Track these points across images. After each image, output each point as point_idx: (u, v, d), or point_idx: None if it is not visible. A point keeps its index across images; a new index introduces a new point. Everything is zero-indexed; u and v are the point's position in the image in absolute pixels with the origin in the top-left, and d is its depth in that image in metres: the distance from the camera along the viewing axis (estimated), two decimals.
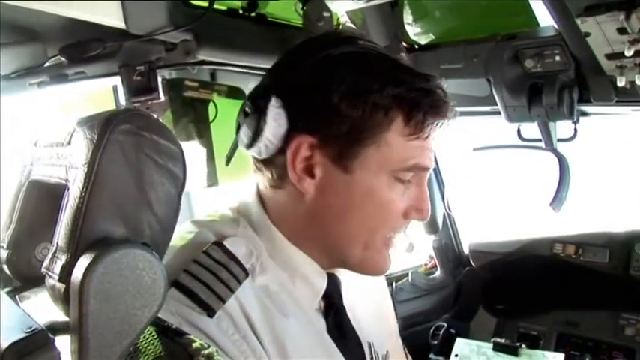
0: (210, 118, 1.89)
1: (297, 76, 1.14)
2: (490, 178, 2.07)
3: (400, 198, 1.16)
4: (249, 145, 1.14)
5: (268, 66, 1.23)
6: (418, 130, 1.13)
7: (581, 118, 1.89)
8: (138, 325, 0.75)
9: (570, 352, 2.24)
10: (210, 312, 1.06)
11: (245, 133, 1.15)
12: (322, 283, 1.24)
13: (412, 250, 1.40)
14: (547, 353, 2.10)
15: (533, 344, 2.29)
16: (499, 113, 1.90)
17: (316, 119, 1.11)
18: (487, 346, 2.16)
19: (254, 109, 1.13)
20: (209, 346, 0.90)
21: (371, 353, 1.39)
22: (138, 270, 0.75)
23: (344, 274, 1.32)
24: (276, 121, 1.11)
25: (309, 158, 1.12)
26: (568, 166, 1.85)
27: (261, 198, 1.23)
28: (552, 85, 1.74)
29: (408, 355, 1.61)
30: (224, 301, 1.08)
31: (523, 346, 2.11)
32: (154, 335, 0.87)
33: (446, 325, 2.37)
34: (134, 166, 0.79)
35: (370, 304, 1.45)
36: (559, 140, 1.94)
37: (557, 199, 1.81)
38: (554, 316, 2.42)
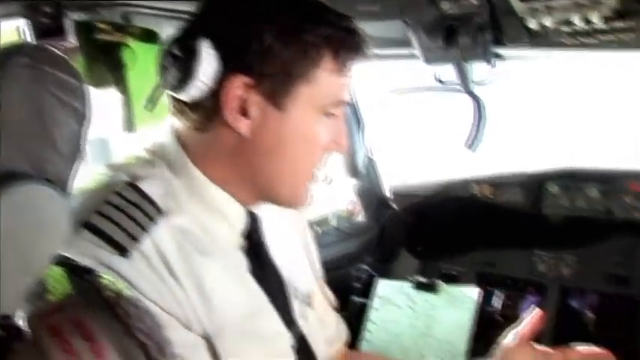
0: (126, 63, 1.84)
1: (226, 17, 1.15)
2: (410, 122, 2.09)
3: (325, 133, 1.21)
4: (179, 88, 1.13)
5: (183, 8, 1.22)
6: (344, 67, 1.19)
7: (499, 63, 1.91)
8: (41, 262, 0.74)
9: (487, 289, 2.33)
10: (124, 252, 1.06)
11: (174, 76, 1.14)
12: (242, 221, 1.26)
13: (330, 183, 1.44)
14: (463, 289, 2.17)
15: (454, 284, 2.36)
16: (417, 56, 1.92)
17: (250, 60, 1.13)
18: (408, 286, 2.22)
19: (183, 51, 1.12)
20: (119, 283, 0.90)
21: (294, 292, 1.42)
22: (39, 206, 0.73)
23: (264, 213, 1.34)
24: (208, 63, 1.11)
25: (243, 98, 1.14)
26: (484, 108, 1.89)
27: (179, 139, 1.23)
28: (467, 26, 1.76)
29: (332, 296, 1.64)
30: (138, 241, 1.08)
31: (441, 282, 2.18)
32: (62, 275, 0.86)
33: (368, 267, 2.41)
34: (35, 102, 0.77)
35: (291, 245, 1.48)
36: (477, 83, 1.97)
37: (472, 140, 1.84)
38: (473, 256, 2.50)
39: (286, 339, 1.33)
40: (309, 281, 1.51)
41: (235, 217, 1.25)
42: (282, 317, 1.33)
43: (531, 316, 1.64)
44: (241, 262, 1.27)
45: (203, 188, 1.21)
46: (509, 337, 1.64)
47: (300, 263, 1.50)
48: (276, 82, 1.14)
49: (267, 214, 1.37)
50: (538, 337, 1.74)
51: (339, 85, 1.20)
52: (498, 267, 2.45)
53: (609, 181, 2.18)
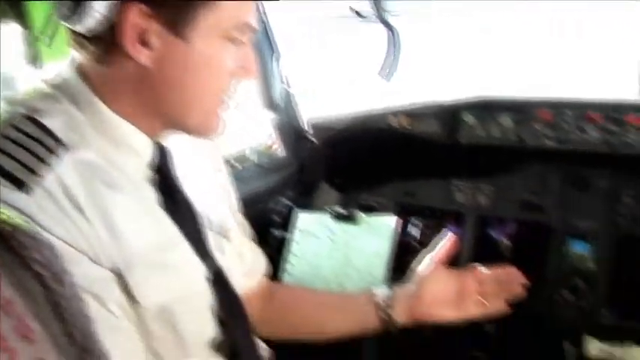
0: None
1: None
2: (326, 53, 2.07)
3: (231, 59, 1.19)
4: (74, 19, 1.09)
5: None
6: None
7: None
8: None
9: (406, 219, 2.37)
10: (25, 188, 1.03)
11: (68, 7, 1.10)
12: (150, 153, 1.24)
13: (242, 110, 1.43)
14: (382, 218, 2.20)
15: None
16: None
17: None
18: (327, 217, 2.23)
19: None
20: (17, 218, 0.87)
21: (209, 225, 1.41)
22: None
23: (176, 147, 1.31)
24: None
25: (142, 27, 1.09)
26: (398, 37, 1.89)
27: (81, 72, 1.19)
28: None
29: (250, 230, 1.65)
30: (39, 176, 1.04)
31: (360, 212, 2.21)
32: None
33: (289, 201, 2.41)
34: None
35: (205, 177, 1.47)
36: (391, 14, 1.96)
37: (387, 70, 1.85)
38: (393, 187, 2.53)
39: (200, 271, 1.33)
40: (224, 213, 1.51)
41: (142, 149, 1.23)
42: (196, 249, 1.33)
43: (445, 241, 1.69)
44: (151, 195, 1.25)
45: (108, 121, 1.18)
46: (425, 262, 1.69)
47: (214, 196, 1.49)
48: (176, 10, 1.10)
49: (179, 146, 1.35)
50: (455, 263, 1.80)
51: (242, 8, 1.17)
52: (417, 197, 2.49)
53: (521, 110, 2.23)
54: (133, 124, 1.19)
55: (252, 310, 1.55)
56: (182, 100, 1.19)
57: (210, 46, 1.15)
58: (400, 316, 1.63)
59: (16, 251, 0.75)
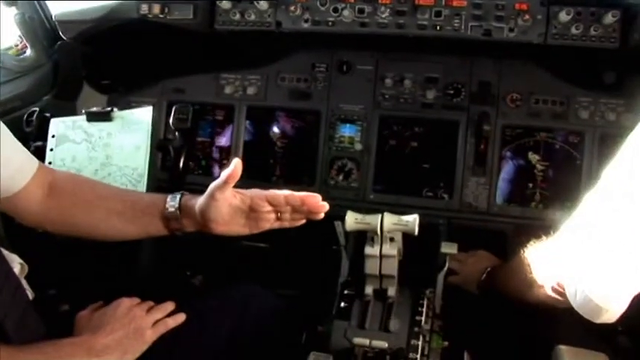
0: None
1: None
2: None
3: None
4: None
5: None
6: None
7: None
8: None
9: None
10: None
11: None
12: None
13: None
14: (136, 110, 2.10)
15: None
16: None
17: None
18: (81, 119, 2.10)
19: None
20: None
21: None
22: None
23: None
24: None
25: None
26: None
27: None
28: None
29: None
30: None
31: (114, 109, 2.09)
32: None
33: (45, 108, 2.21)
34: None
35: None
36: None
37: None
38: (163, 85, 2.46)
39: None
40: None
41: None
42: None
43: (231, 166, 1.61)
44: None
45: None
46: (212, 186, 1.60)
47: None
48: None
49: None
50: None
51: None
52: (188, 93, 2.44)
53: None
54: None
55: (37, 205, 1.56)
56: None
57: None
58: (189, 227, 1.61)
59: None
